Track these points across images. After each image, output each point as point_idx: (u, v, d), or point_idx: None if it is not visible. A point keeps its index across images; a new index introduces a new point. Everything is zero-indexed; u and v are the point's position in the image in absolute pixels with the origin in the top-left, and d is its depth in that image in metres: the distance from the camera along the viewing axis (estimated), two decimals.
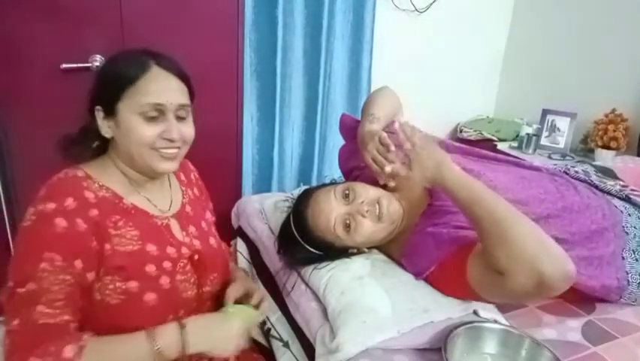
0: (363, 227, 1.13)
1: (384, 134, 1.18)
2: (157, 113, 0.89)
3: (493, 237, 0.93)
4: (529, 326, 1.08)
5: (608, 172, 1.55)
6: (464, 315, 1.04)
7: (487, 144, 2.53)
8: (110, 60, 0.94)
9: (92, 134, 0.94)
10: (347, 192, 1.16)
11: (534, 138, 2.38)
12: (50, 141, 1.69)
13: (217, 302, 1.05)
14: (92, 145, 0.96)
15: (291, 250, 1.22)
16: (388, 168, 1.11)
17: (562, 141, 2.39)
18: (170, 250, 0.94)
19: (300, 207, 1.20)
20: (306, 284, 1.20)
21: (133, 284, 0.87)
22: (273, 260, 1.32)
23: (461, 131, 2.75)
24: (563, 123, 2.40)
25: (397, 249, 1.19)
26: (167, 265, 0.92)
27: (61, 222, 0.81)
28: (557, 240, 0.94)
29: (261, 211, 1.55)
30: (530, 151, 2.38)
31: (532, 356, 0.95)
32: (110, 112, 0.90)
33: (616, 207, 1.27)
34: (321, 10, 2.14)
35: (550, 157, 2.33)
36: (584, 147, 2.37)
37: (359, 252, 1.22)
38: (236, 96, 2.02)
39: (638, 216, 1.27)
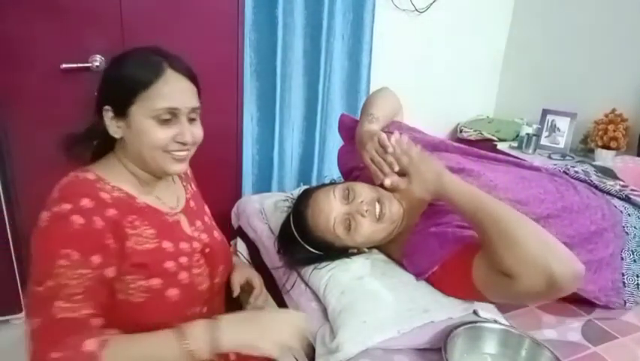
0: (363, 227, 1.13)
1: (384, 135, 1.18)
2: (170, 116, 0.89)
3: (500, 242, 0.93)
4: (529, 326, 1.08)
5: (608, 172, 1.55)
6: (464, 315, 1.04)
7: (487, 144, 2.53)
8: (120, 61, 0.92)
9: (97, 133, 0.94)
10: (347, 192, 1.16)
11: (534, 137, 2.38)
12: (50, 141, 1.69)
13: (226, 293, 1.07)
14: (96, 144, 0.96)
15: (291, 250, 1.22)
16: (387, 181, 1.11)
17: (562, 141, 2.39)
18: (184, 246, 0.95)
19: (299, 208, 1.20)
20: (306, 284, 1.20)
21: (155, 281, 0.88)
22: (273, 260, 1.32)
23: (461, 132, 2.75)
24: (563, 123, 2.40)
25: (398, 249, 1.19)
26: (183, 260, 0.94)
27: (77, 220, 0.81)
28: None
29: (261, 211, 1.55)
30: (530, 151, 2.38)
31: (532, 356, 0.95)
32: (121, 113, 0.89)
33: (615, 207, 1.27)
34: (321, 10, 2.14)
35: (550, 157, 2.33)
36: (584, 147, 2.37)
37: (359, 252, 1.22)
38: (236, 96, 2.02)
39: (638, 216, 1.27)
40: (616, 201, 1.30)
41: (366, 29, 2.28)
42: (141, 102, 0.87)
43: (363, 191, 1.16)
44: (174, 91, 0.89)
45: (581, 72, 2.43)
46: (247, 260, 1.52)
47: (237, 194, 2.15)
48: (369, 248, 1.24)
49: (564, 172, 1.40)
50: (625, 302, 1.15)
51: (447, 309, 1.04)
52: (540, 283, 0.88)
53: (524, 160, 1.49)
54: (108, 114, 0.90)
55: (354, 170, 1.42)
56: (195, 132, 0.93)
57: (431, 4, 2.49)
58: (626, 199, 1.32)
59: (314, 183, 2.28)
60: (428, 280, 1.11)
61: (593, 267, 1.13)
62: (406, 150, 1.13)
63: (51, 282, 0.78)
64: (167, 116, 0.88)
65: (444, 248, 1.07)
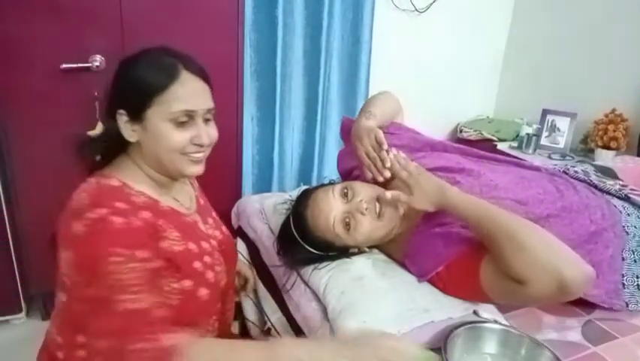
0: (362, 225, 1.13)
1: (381, 133, 1.18)
2: (187, 118, 0.88)
3: (509, 249, 0.94)
4: (529, 326, 1.08)
5: (608, 172, 1.55)
6: (464, 315, 1.04)
7: (487, 144, 2.53)
8: (132, 64, 0.91)
9: (110, 137, 0.92)
10: (345, 190, 1.16)
11: (534, 137, 2.38)
12: (50, 141, 1.69)
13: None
14: (108, 146, 0.94)
15: (291, 251, 1.22)
16: (388, 195, 1.12)
17: (562, 141, 2.39)
18: (205, 245, 0.96)
19: (299, 208, 1.20)
20: (306, 284, 1.20)
21: (187, 283, 0.89)
22: (272, 260, 1.32)
23: (461, 132, 2.75)
24: (563, 123, 2.40)
25: (399, 249, 1.19)
26: (207, 259, 0.94)
27: (117, 220, 0.81)
28: None
29: (261, 211, 1.55)
30: (530, 151, 2.38)
31: (532, 356, 0.95)
32: (136, 117, 0.88)
33: (615, 206, 1.27)
34: (321, 11, 2.14)
35: (550, 157, 2.33)
36: (584, 147, 2.37)
37: (360, 252, 1.22)
38: (237, 96, 2.02)
39: (638, 216, 1.27)
40: (615, 201, 1.30)
41: (366, 29, 2.28)
42: (157, 106, 0.86)
43: (363, 190, 1.16)
44: (190, 93, 0.88)
45: (581, 72, 2.43)
46: (247, 260, 1.52)
47: (237, 194, 2.15)
48: (370, 248, 1.24)
49: (564, 172, 1.40)
50: (627, 304, 1.15)
51: (447, 309, 1.04)
52: (551, 287, 0.89)
53: (524, 160, 1.49)
54: (122, 118, 0.89)
55: (354, 169, 1.42)
56: (211, 133, 0.93)
57: (431, 4, 2.49)
58: (626, 199, 1.32)
59: (314, 184, 2.28)
60: (430, 281, 1.11)
61: (595, 271, 1.13)
62: (405, 166, 1.14)
63: (105, 281, 0.77)
64: (183, 119, 0.88)
65: (449, 249, 1.07)
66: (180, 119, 0.87)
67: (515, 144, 2.49)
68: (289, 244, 1.22)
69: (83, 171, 0.95)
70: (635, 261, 1.19)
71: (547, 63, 2.60)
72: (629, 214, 1.26)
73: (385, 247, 1.23)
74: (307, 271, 1.19)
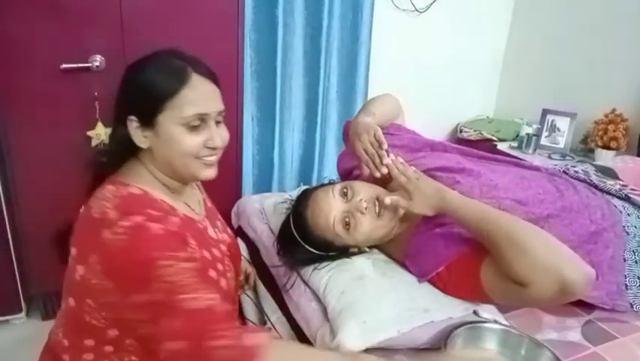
0: (362, 224, 1.13)
1: (380, 131, 1.18)
2: (199, 122, 0.87)
3: (509, 251, 0.94)
4: (529, 326, 1.08)
5: (608, 172, 1.55)
6: (464, 315, 1.04)
7: (487, 144, 2.53)
8: (141, 68, 0.89)
9: (122, 144, 0.90)
10: (345, 190, 1.16)
11: (534, 137, 2.38)
12: (50, 141, 1.69)
13: None
14: (118, 152, 0.92)
15: (291, 251, 1.22)
16: (388, 200, 1.12)
17: (562, 141, 2.39)
18: (216, 252, 0.95)
19: (299, 208, 1.20)
20: (306, 284, 1.20)
21: None
22: (272, 260, 1.32)
23: (461, 132, 2.75)
24: (563, 123, 2.40)
25: (399, 249, 1.19)
26: (219, 267, 0.93)
27: (155, 225, 0.81)
28: None
29: (261, 211, 1.55)
30: (530, 151, 2.38)
31: (533, 356, 0.95)
32: (148, 123, 0.86)
33: (615, 206, 1.27)
34: (321, 11, 2.14)
35: (550, 157, 2.33)
36: (584, 147, 2.37)
37: (360, 252, 1.22)
38: (237, 96, 2.02)
39: (638, 216, 1.27)
40: (616, 201, 1.30)
41: (366, 29, 2.28)
42: (169, 110, 0.85)
43: (363, 189, 1.16)
44: (201, 96, 0.87)
45: (581, 72, 2.43)
46: (247, 260, 1.52)
47: (237, 194, 2.15)
48: (370, 248, 1.24)
49: (564, 172, 1.40)
50: (632, 305, 1.15)
51: (447, 309, 1.04)
52: (553, 289, 0.89)
53: (524, 160, 1.49)
54: (133, 124, 0.87)
55: (354, 169, 1.42)
56: (223, 135, 0.92)
57: (431, 4, 2.49)
58: (626, 199, 1.32)
59: (314, 184, 2.28)
60: (431, 281, 1.11)
61: (595, 272, 1.13)
62: (403, 171, 1.15)
63: (159, 285, 0.76)
64: (196, 123, 0.87)
65: (450, 249, 1.07)
66: (193, 123, 0.86)
67: (515, 144, 2.49)
68: (289, 244, 1.22)
69: (89, 176, 0.94)
70: (636, 262, 1.19)
71: (547, 63, 2.60)
72: (629, 214, 1.26)
73: (385, 247, 1.23)
74: (307, 271, 1.19)
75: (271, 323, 1.24)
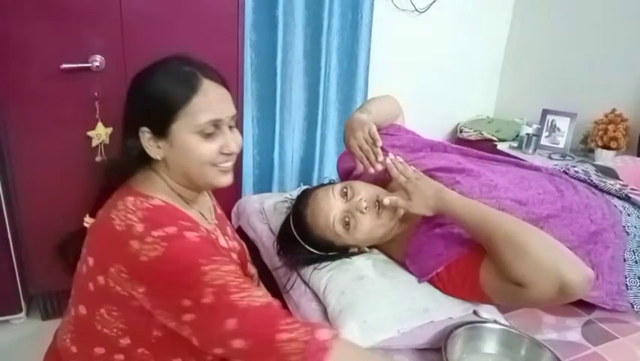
0: (362, 224, 1.13)
1: (375, 128, 1.18)
2: (214, 128, 0.86)
3: (509, 252, 0.94)
4: (529, 326, 1.08)
5: (609, 172, 1.55)
6: (464, 315, 1.04)
7: (487, 144, 2.53)
8: (149, 77, 0.87)
9: (134, 156, 0.88)
10: (345, 190, 1.16)
11: (534, 138, 2.38)
12: (50, 141, 1.69)
13: None
14: (130, 163, 0.90)
15: (291, 251, 1.22)
16: (387, 201, 1.12)
17: (562, 141, 2.39)
18: None
19: (299, 207, 1.20)
20: (306, 284, 1.20)
21: None
22: (273, 260, 1.32)
23: (461, 132, 2.75)
24: (563, 123, 2.40)
25: (399, 249, 1.19)
26: None
27: (191, 234, 0.81)
28: None
29: (261, 211, 1.55)
30: (530, 151, 2.38)
31: (533, 356, 0.95)
32: (161, 133, 0.85)
33: (615, 206, 1.27)
34: (321, 11, 2.14)
35: (550, 157, 2.33)
36: (584, 147, 2.37)
37: (360, 252, 1.22)
38: (237, 97, 2.01)
39: (638, 216, 1.27)
40: (616, 201, 1.30)
41: (365, 29, 2.28)
42: (182, 119, 0.83)
43: (362, 189, 1.16)
44: (214, 101, 0.86)
45: (581, 72, 2.43)
46: (249, 261, 1.52)
47: (237, 194, 2.15)
48: (370, 248, 1.24)
49: (564, 172, 1.39)
50: (632, 305, 1.15)
51: (447, 309, 1.04)
52: (552, 290, 0.89)
53: (524, 160, 1.49)
54: (145, 135, 0.85)
55: (353, 170, 1.42)
56: (238, 140, 0.90)
57: (431, 4, 2.49)
58: (626, 198, 1.32)
59: (314, 184, 2.28)
60: (430, 281, 1.11)
61: (595, 272, 1.13)
62: (403, 170, 1.14)
63: (205, 289, 0.76)
64: (210, 130, 0.85)
65: (450, 250, 1.07)
66: (207, 131, 0.85)
67: (515, 144, 2.49)
68: (289, 244, 1.22)
69: (97, 186, 0.93)
70: (636, 262, 1.19)
71: (547, 63, 2.60)
72: (629, 214, 1.26)
73: (385, 246, 1.23)
74: (307, 271, 1.19)
75: None
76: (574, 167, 1.47)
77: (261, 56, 2.14)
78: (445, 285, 1.08)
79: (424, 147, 1.41)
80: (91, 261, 0.85)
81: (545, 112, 2.44)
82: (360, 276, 1.12)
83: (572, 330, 1.09)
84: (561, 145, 2.39)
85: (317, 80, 2.25)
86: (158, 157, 0.87)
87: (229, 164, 0.90)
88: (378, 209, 1.14)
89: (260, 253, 1.43)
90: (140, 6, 1.69)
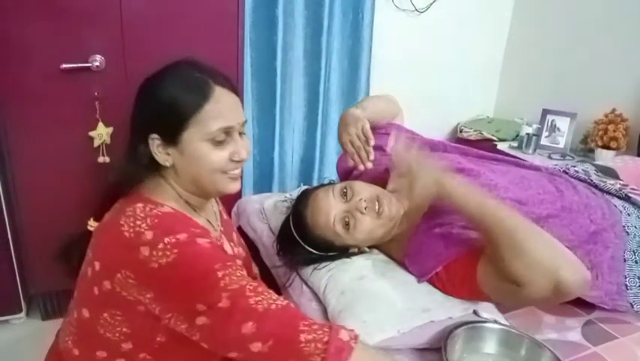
0: (362, 224, 1.13)
1: (368, 125, 1.18)
2: (225, 136, 0.85)
3: (507, 248, 0.93)
4: (529, 326, 1.08)
5: (609, 172, 1.55)
6: (464, 315, 1.04)
7: (487, 143, 2.53)
8: (159, 84, 0.86)
9: (142, 162, 0.87)
10: (345, 190, 1.16)
11: (534, 137, 2.38)
12: (50, 141, 1.69)
13: None
14: (138, 171, 0.88)
15: (291, 252, 1.22)
16: (390, 187, 1.11)
17: (562, 141, 2.39)
18: None
19: (299, 207, 1.20)
20: (306, 284, 1.20)
21: None
22: (272, 260, 1.32)
23: (461, 131, 2.75)
24: (563, 123, 2.40)
25: (399, 249, 1.19)
26: None
27: (202, 240, 0.81)
28: None
29: (261, 211, 1.55)
30: (530, 151, 2.38)
31: (533, 356, 0.95)
32: (171, 141, 0.84)
33: (615, 206, 1.27)
34: (322, 11, 2.14)
35: (550, 157, 2.33)
36: (584, 147, 2.37)
37: (359, 252, 1.22)
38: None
39: (638, 216, 1.27)
40: (616, 201, 1.30)
41: (366, 29, 2.28)
42: (194, 127, 0.83)
43: (362, 189, 1.16)
44: (225, 108, 0.85)
45: (581, 72, 2.43)
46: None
47: (237, 194, 2.14)
48: (370, 248, 1.24)
49: (564, 172, 1.39)
50: (632, 305, 1.15)
51: (447, 309, 1.04)
52: (547, 288, 0.89)
53: (524, 160, 1.49)
54: (154, 142, 0.85)
55: (354, 169, 1.42)
56: (248, 147, 0.90)
57: (431, 4, 2.49)
58: (626, 198, 1.32)
59: (315, 184, 2.28)
60: (429, 281, 1.11)
61: (594, 272, 1.13)
62: (405, 156, 1.12)
63: (220, 294, 0.76)
64: (222, 137, 0.85)
65: (449, 250, 1.07)
66: (218, 138, 0.84)
67: (515, 144, 2.49)
68: (289, 245, 1.22)
69: (102, 191, 0.92)
70: (636, 262, 1.19)
71: (548, 63, 2.60)
72: (629, 214, 1.26)
73: (385, 246, 1.23)
74: (307, 271, 1.19)
75: None
76: (574, 167, 1.47)
77: (261, 56, 2.14)
78: (444, 285, 1.08)
79: (424, 146, 1.41)
80: (97, 265, 0.84)
81: (545, 112, 2.44)
82: (360, 276, 1.12)
83: (572, 330, 1.09)
84: (561, 145, 2.39)
85: (317, 80, 2.25)
86: (167, 164, 0.87)
87: (238, 171, 0.90)
88: (378, 209, 1.14)
89: (260, 252, 1.44)
90: (140, 6, 1.69)
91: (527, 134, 2.40)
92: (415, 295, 1.07)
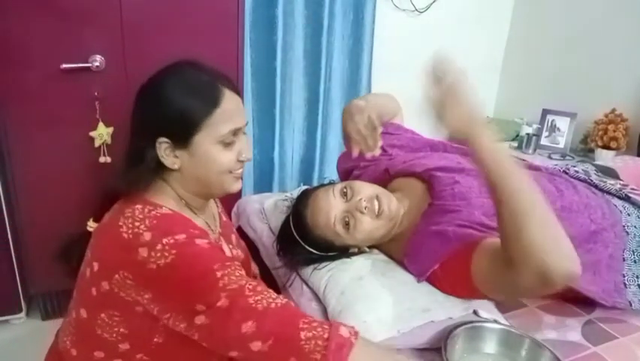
0: (362, 224, 1.13)
1: (374, 114, 1.17)
2: (233, 137, 0.88)
3: (510, 226, 0.88)
4: (529, 326, 1.08)
5: (609, 172, 1.55)
6: (464, 315, 1.04)
7: None
8: (166, 88, 0.85)
9: (148, 165, 0.87)
10: (345, 190, 1.16)
11: (534, 137, 2.38)
12: (50, 141, 1.69)
13: None
14: (147, 175, 0.88)
15: (291, 252, 1.22)
16: (426, 99, 0.98)
17: (562, 141, 2.39)
18: None
19: (299, 207, 1.20)
20: (306, 284, 1.20)
21: None
22: (272, 260, 1.32)
23: None
24: (563, 123, 2.40)
25: (399, 249, 1.18)
26: None
27: (201, 242, 0.82)
28: None
29: (261, 211, 1.55)
30: (530, 151, 2.38)
31: (533, 356, 0.95)
32: (182, 144, 0.85)
33: (615, 206, 1.27)
34: (322, 11, 2.14)
35: (550, 157, 2.33)
36: (584, 147, 2.37)
37: (359, 252, 1.22)
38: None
39: (638, 216, 1.27)
40: (616, 201, 1.30)
41: (367, 29, 2.28)
42: (205, 130, 0.84)
43: (362, 189, 1.16)
44: (234, 111, 0.87)
45: (581, 72, 2.43)
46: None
47: (237, 194, 2.14)
48: (370, 248, 1.24)
49: (564, 172, 1.39)
50: (631, 303, 1.15)
51: (447, 309, 1.04)
52: (535, 273, 0.85)
53: (524, 160, 1.49)
54: (162, 146, 0.85)
55: (353, 170, 1.42)
56: (250, 146, 0.93)
57: (431, 4, 2.49)
58: (626, 198, 1.32)
59: (315, 184, 2.29)
60: (428, 280, 1.10)
61: (592, 269, 1.13)
62: (446, 71, 1.02)
63: (218, 293, 0.76)
64: (230, 139, 0.87)
65: (444, 246, 1.07)
66: (227, 140, 0.87)
67: (515, 144, 2.49)
68: (289, 245, 1.22)
69: (102, 193, 0.93)
70: (635, 261, 1.19)
71: (548, 63, 2.60)
72: (629, 214, 1.26)
73: (385, 246, 1.23)
74: (307, 271, 1.19)
75: None
76: (574, 167, 1.47)
77: (261, 56, 2.14)
78: (442, 283, 1.08)
79: (424, 146, 1.41)
80: (96, 266, 0.85)
81: (545, 112, 2.44)
82: (360, 276, 1.12)
83: (572, 330, 1.09)
84: (561, 145, 2.39)
85: (317, 80, 2.25)
86: (176, 167, 0.87)
87: (242, 170, 0.93)
88: (378, 209, 1.14)
89: (260, 252, 1.44)
90: (140, 6, 1.69)
91: (527, 134, 2.40)
92: (415, 295, 1.07)
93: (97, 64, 1.67)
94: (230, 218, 1.18)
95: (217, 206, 1.10)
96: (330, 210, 1.14)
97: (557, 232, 0.88)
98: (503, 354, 0.97)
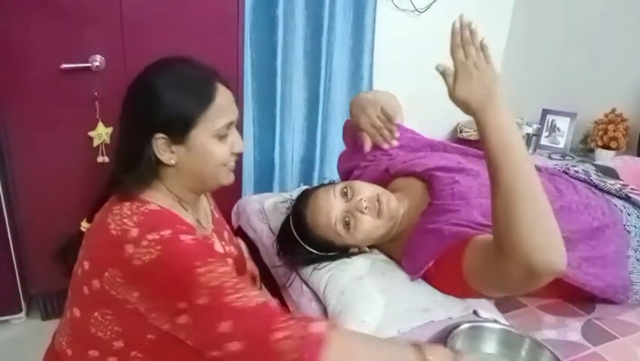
0: (362, 224, 1.13)
1: (386, 105, 1.16)
2: (227, 130, 0.89)
3: (502, 212, 0.87)
4: (529, 326, 1.08)
5: (609, 172, 1.55)
6: (464, 315, 1.04)
7: None
8: (161, 85, 0.85)
9: (145, 163, 0.87)
10: (345, 190, 1.16)
11: (534, 137, 2.38)
12: (50, 141, 1.69)
13: None
14: (145, 173, 0.88)
15: (291, 252, 1.22)
16: (440, 67, 0.99)
17: (562, 141, 2.40)
18: None
19: (299, 207, 1.20)
20: (306, 284, 1.20)
21: None
22: (272, 260, 1.32)
23: (461, 131, 2.74)
24: (563, 123, 2.40)
25: (399, 249, 1.19)
26: None
27: (186, 238, 0.81)
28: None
29: (261, 211, 1.55)
30: (530, 151, 2.38)
31: (533, 356, 0.95)
32: (179, 139, 0.85)
33: (615, 205, 1.27)
34: (322, 11, 2.14)
35: (550, 157, 2.33)
36: (584, 147, 2.37)
37: (360, 252, 1.22)
38: (237, 97, 2.01)
39: (638, 216, 1.27)
40: (616, 201, 1.30)
41: (367, 29, 2.28)
42: (202, 124, 0.85)
43: (363, 189, 1.16)
44: (227, 104, 0.89)
45: (581, 72, 2.43)
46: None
47: (237, 194, 2.15)
48: (370, 248, 1.24)
49: (564, 172, 1.39)
50: (627, 297, 1.15)
51: (447, 309, 1.04)
52: (520, 267, 0.85)
53: None
54: (159, 142, 0.85)
55: (354, 169, 1.42)
56: (241, 139, 0.94)
57: (431, 4, 2.49)
58: (626, 198, 1.32)
59: (315, 184, 2.29)
60: (425, 279, 1.11)
61: (599, 262, 1.13)
62: (465, 43, 1.01)
63: (201, 291, 0.76)
64: (225, 132, 0.88)
65: (439, 243, 1.06)
66: (222, 133, 0.88)
67: None
68: (289, 245, 1.22)
69: (98, 191, 0.93)
70: (637, 260, 1.19)
71: (547, 63, 2.60)
72: (629, 214, 1.26)
73: (385, 246, 1.24)
74: (307, 271, 1.19)
75: None
76: (574, 167, 1.47)
77: (261, 56, 2.14)
78: (437, 281, 1.08)
79: (424, 146, 1.41)
80: (86, 265, 0.85)
81: (545, 112, 2.44)
82: (359, 276, 1.12)
83: (572, 330, 1.09)
84: (561, 145, 2.39)
85: (317, 80, 2.25)
86: (172, 162, 0.87)
87: (234, 163, 0.94)
88: (379, 209, 1.14)
89: (260, 252, 1.44)
90: (140, 6, 1.69)
91: (527, 134, 2.40)
92: (415, 295, 1.07)
93: (97, 64, 1.67)
94: (225, 216, 1.17)
95: (209, 203, 1.10)
96: (331, 210, 1.14)
97: (549, 225, 0.87)
98: (503, 354, 0.97)
